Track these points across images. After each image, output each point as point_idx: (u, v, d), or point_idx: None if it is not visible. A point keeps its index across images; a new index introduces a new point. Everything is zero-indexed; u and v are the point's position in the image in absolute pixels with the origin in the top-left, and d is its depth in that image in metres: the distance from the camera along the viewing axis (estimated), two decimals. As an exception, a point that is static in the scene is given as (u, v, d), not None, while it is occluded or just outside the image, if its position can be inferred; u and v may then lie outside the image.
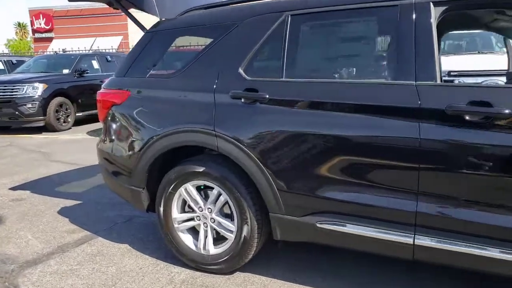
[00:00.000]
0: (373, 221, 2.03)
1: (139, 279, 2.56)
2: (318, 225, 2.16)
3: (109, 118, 2.79)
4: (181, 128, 2.43)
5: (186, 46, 4.54)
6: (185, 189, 2.54)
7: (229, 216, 2.49)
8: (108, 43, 25.48)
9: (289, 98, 2.18)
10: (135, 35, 23.12)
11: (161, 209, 2.62)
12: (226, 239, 2.51)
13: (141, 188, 2.69)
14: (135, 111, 2.65)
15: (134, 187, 2.72)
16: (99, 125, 8.58)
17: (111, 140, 2.82)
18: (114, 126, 2.78)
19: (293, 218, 2.23)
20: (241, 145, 2.26)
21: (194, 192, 2.53)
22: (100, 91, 2.89)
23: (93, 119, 8.88)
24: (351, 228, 2.08)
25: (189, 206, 2.60)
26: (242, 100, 2.28)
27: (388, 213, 1.99)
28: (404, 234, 1.97)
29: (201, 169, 2.43)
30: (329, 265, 2.62)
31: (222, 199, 2.45)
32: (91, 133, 8.22)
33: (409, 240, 1.96)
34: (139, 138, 2.63)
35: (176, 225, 2.62)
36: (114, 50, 21.84)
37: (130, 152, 2.67)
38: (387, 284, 2.40)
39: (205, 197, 2.54)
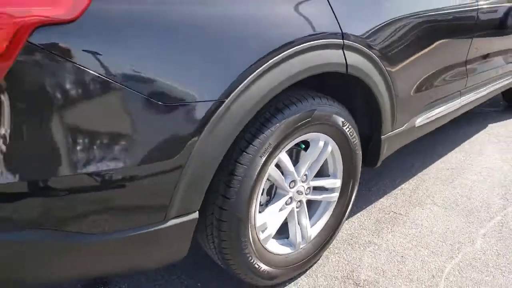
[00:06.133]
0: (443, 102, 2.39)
1: None
2: (417, 124, 2.15)
3: None
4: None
5: None
6: (275, 163, 1.44)
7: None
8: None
9: None
10: None
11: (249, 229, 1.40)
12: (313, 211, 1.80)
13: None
14: None
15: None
16: None
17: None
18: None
19: (399, 129, 2.00)
20: (373, 55, 1.60)
21: (286, 160, 1.48)
22: None
23: None
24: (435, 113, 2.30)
25: (270, 192, 1.56)
26: None
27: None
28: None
29: (329, 111, 1.53)
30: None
31: (328, 151, 1.62)
32: None
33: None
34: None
35: (262, 235, 1.49)
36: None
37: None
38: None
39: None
